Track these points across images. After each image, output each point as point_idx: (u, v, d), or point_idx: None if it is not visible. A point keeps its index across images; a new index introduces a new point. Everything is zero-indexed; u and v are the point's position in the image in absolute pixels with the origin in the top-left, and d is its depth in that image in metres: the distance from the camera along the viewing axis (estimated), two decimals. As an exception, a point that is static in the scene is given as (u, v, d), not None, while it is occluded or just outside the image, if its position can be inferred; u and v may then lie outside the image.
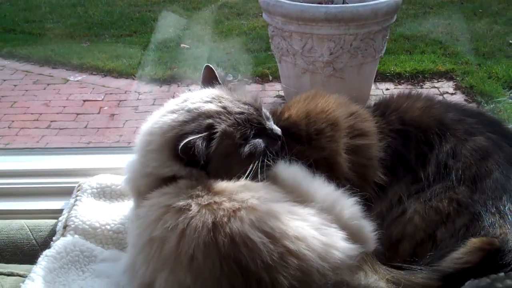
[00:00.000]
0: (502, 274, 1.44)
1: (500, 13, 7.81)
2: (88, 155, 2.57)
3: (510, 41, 6.89)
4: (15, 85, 6.67)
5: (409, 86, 6.07)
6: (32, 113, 6.05)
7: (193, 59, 6.94)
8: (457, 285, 1.45)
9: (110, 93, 6.41)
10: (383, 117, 1.94)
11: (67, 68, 7.00)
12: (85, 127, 5.76)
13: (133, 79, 6.68)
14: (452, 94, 5.89)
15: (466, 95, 5.85)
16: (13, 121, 5.87)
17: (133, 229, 1.68)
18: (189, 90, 5.73)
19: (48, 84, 6.67)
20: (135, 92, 6.44)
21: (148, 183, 1.72)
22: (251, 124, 1.73)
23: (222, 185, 1.60)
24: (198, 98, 1.76)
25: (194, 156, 1.60)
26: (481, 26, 7.32)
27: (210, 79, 1.89)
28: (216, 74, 1.89)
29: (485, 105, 5.45)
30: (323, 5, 5.23)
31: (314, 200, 1.63)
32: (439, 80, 6.22)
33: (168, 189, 1.63)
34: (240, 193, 1.56)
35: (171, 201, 1.55)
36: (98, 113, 6.04)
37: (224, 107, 1.72)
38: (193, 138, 1.58)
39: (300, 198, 1.64)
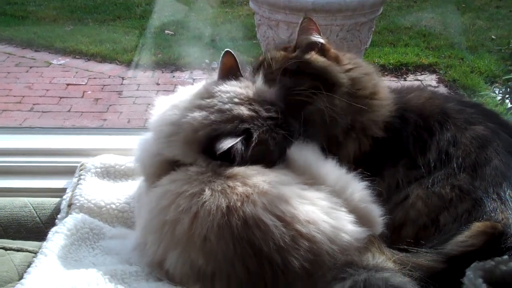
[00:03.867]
0: (506, 257, 1.46)
1: (482, 9, 7.90)
2: (90, 136, 2.58)
3: (493, 37, 6.98)
4: (-3, 67, 6.62)
5: (393, 78, 6.13)
6: (14, 96, 6.01)
7: (177, 45, 6.93)
8: (462, 267, 1.47)
9: (94, 78, 6.40)
10: (395, 103, 1.98)
11: (50, 51, 6.96)
12: (69, 110, 5.74)
13: (117, 64, 6.66)
14: (435, 87, 5.96)
15: (449, 88, 5.93)
16: (-5, 103, 5.82)
17: (143, 214, 1.71)
18: (173, 76, 5.70)
19: (30, 67, 6.63)
20: (119, 77, 6.43)
21: (156, 164, 1.76)
22: (280, 127, 1.76)
23: (234, 169, 1.62)
24: (227, 97, 1.76)
25: (231, 157, 1.63)
26: (464, 20, 7.41)
27: (230, 68, 1.87)
28: (238, 62, 1.87)
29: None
30: (310, -5, 5.24)
31: (325, 182, 1.67)
32: (422, 73, 6.29)
33: (178, 175, 1.66)
34: (252, 177, 1.59)
35: (183, 188, 1.58)
36: (82, 97, 6.03)
37: (255, 111, 1.74)
38: (236, 143, 1.61)
39: (311, 180, 1.67)
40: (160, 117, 1.81)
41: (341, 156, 1.86)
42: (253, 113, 1.73)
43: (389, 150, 1.89)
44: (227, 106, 1.72)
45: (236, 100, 1.75)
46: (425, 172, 1.79)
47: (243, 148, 1.64)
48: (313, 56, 1.98)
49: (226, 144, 1.60)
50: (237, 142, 1.62)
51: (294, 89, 1.89)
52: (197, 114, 1.71)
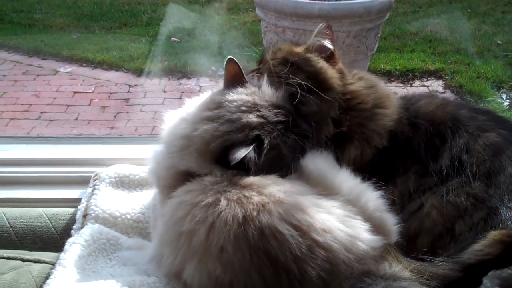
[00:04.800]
0: (523, 265, 1.48)
1: (488, 14, 7.89)
2: (104, 145, 2.59)
3: (499, 42, 6.97)
4: (4, 76, 6.63)
5: (399, 84, 6.13)
6: (22, 104, 6.00)
7: (183, 52, 6.94)
8: (478, 276, 1.48)
9: (101, 85, 6.40)
10: (405, 110, 2.00)
11: (56, 59, 6.96)
12: (76, 119, 5.73)
13: (124, 71, 6.66)
14: (441, 93, 5.95)
15: (455, 94, 5.92)
16: (2, 111, 5.81)
17: (159, 225, 1.73)
18: (180, 84, 5.70)
19: (37, 75, 6.63)
20: (126, 84, 6.43)
21: (170, 176, 1.78)
22: (290, 131, 1.78)
23: (250, 179, 1.64)
24: (234, 106, 1.77)
25: (245, 166, 1.65)
26: (470, 26, 7.40)
27: (235, 75, 1.87)
28: (241, 69, 1.87)
29: (475, 105, 5.52)
30: (317, 1, 5.25)
31: (340, 192, 1.68)
32: (428, 78, 6.28)
33: (193, 185, 1.67)
34: (268, 186, 1.60)
35: (199, 198, 1.59)
36: (89, 105, 6.03)
37: (264, 117, 1.75)
38: (248, 152, 1.63)
39: (326, 191, 1.68)
40: (171, 131, 1.83)
41: (342, 159, 1.90)
42: (262, 120, 1.75)
43: (400, 157, 1.90)
44: (235, 116, 1.74)
45: (243, 108, 1.76)
46: (438, 180, 1.80)
47: (256, 156, 1.66)
48: (315, 57, 2.04)
49: (239, 154, 1.62)
50: (249, 151, 1.64)
51: (284, 77, 1.93)
52: (207, 127, 1.73)
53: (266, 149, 1.69)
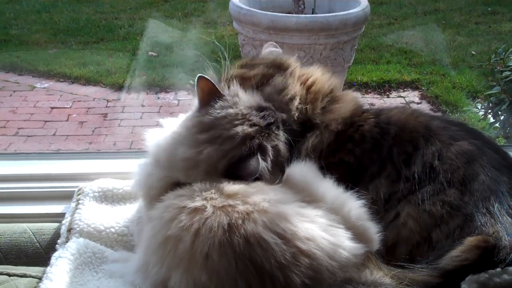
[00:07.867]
0: (499, 269, 1.51)
1: (462, 25, 8.02)
2: (85, 160, 2.58)
3: (473, 52, 7.07)
4: (-20, 92, 6.60)
5: (376, 95, 6.19)
6: (-1, 120, 5.99)
7: (161, 67, 6.96)
8: (457, 281, 1.51)
9: (78, 100, 6.40)
10: (374, 115, 2.05)
11: (33, 75, 6.96)
12: (54, 134, 5.73)
13: (101, 86, 6.66)
14: (418, 103, 6.03)
15: (431, 104, 6.00)
16: (-21, 128, 5.80)
17: (145, 234, 1.73)
18: (158, 98, 5.70)
19: (14, 91, 6.62)
20: (104, 99, 6.43)
21: (162, 186, 1.78)
22: (279, 128, 1.87)
23: (235, 188, 1.65)
24: (226, 122, 1.80)
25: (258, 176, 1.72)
26: (444, 37, 7.51)
27: (209, 91, 1.85)
28: (214, 83, 1.85)
29: (451, 114, 5.60)
30: (293, 15, 5.31)
31: (323, 200, 1.70)
32: (405, 89, 6.37)
33: (183, 191, 1.68)
34: (252, 195, 1.62)
35: (186, 203, 1.60)
36: (67, 120, 6.03)
37: (256, 124, 1.80)
38: (261, 162, 1.71)
39: (309, 198, 1.71)
40: (163, 149, 1.83)
41: (301, 148, 1.95)
42: (256, 127, 1.79)
43: (368, 159, 1.93)
44: (232, 132, 1.76)
45: (236, 122, 1.79)
46: (411, 186, 1.82)
47: (266, 163, 1.73)
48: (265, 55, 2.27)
49: (255, 167, 1.70)
50: (261, 162, 1.70)
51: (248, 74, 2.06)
52: (210, 150, 1.74)
53: (270, 153, 1.76)
